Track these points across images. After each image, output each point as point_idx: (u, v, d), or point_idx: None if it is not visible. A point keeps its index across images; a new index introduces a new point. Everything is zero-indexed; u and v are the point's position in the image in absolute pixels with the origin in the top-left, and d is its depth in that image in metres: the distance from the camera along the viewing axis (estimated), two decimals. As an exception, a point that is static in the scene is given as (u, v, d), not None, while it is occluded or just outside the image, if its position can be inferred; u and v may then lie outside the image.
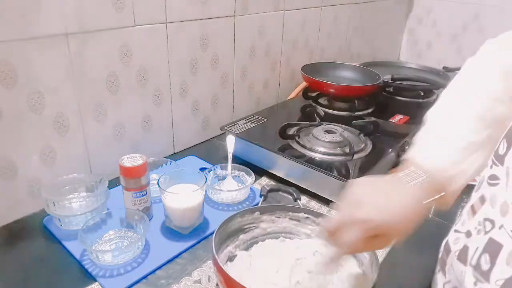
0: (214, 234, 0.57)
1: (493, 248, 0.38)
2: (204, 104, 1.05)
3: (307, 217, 0.66)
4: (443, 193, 0.47)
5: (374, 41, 1.79)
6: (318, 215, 0.65)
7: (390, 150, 0.91)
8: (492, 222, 0.40)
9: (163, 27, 0.87)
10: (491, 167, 0.43)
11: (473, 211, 0.44)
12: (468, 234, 0.43)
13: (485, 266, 0.39)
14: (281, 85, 1.31)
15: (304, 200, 0.82)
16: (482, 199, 0.42)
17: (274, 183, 0.87)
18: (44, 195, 0.68)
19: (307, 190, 0.84)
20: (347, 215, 0.47)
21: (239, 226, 0.65)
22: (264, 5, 1.11)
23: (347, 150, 0.86)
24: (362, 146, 0.89)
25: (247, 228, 0.65)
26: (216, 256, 0.54)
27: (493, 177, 0.42)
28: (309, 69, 1.19)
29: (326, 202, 0.81)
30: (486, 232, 0.40)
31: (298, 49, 1.32)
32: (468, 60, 0.55)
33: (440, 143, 0.50)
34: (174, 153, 1.01)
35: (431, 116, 0.54)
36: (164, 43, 0.88)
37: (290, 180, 0.86)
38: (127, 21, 0.79)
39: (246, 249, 0.64)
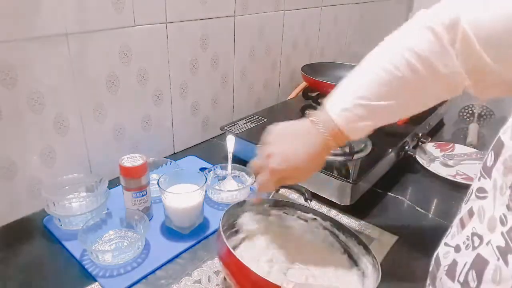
0: (223, 214, 0.58)
1: (479, 265, 0.38)
2: (204, 104, 1.05)
3: (314, 219, 0.66)
4: (340, 146, 0.56)
5: (374, 41, 1.78)
6: (326, 218, 0.65)
7: (390, 150, 0.91)
8: (480, 237, 0.39)
9: (163, 27, 0.87)
10: (479, 179, 0.42)
11: (462, 224, 0.43)
12: (457, 248, 0.43)
13: (472, 283, 0.38)
14: (281, 85, 1.31)
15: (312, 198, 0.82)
16: (471, 212, 0.42)
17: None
18: (44, 195, 0.68)
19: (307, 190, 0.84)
20: (261, 163, 0.58)
21: (245, 211, 0.65)
22: (264, 5, 1.11)
23: (347, 150, 0.86)
24: (362, 146, 0.89)
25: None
26: (222, 233, 0.54)
27: (481, 190, 0.41)
28: (309, 69, 1.19)
29: (326, 202, 0.81)
30: (474, 248, 0.39)
31: (298, 49, 1.32)
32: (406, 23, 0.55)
33: (348, 99, 0.53)
34: (174, 153, 1.01)
35: (356, 68, 0.57)
36: (164, 43, 0.88)
37: (290, 180, 0.86)
38: (127, 21, 0.80)
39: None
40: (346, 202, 0.79)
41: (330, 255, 0.62)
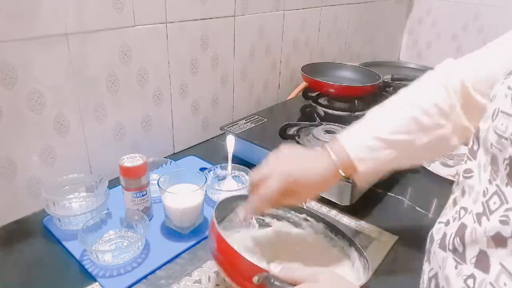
0: (214, 208, 0.57)
1: (461, 231, 0.43)
2: (204, 104, 1.05)
3: (306, 220, 0.66)
4: (343, 174, 0.57)
5: (374, 41, 1.79)
6: (319, 219, 0.65)
7: (390, 150, 0.90)
8: (465, 209, 0.44)
9: (163, 27, 0.87)
10: (465, 162, 0.47)
11: (454, 203, 0.49)
12: (447, 223, 0.47)
13: (459, 248, 0.42)
14: (281, 85, 1.31)
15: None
16: (463, 191, 0.47)
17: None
18: (44, 195, 0.68)
19: (307, 190, 0.84)
20: (269, 169, 0.56)
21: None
22: (264, 5, 1.11)
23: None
24: (362, 146, 0.89)
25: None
26: (216, 224, 0.53)
27: (467, 170, 0.46)
28: (309, 69, 1.19)
29: (326, 202, 0.81)
30: (459, 219, 0.44)
31: (298, 49, 1.32)
32: (428, 72, 0.62)
33: (362, 134, 0.58)
34: (174, 153, 1.01)
35: (370, 111, 0.62)
36: (164, 43, 0.88)
37: (290, 180, 0.86)
38: (127, 21, 0.79)
39: None
40: (346, 202, 0.79)
41: (323, 250, 0.62)
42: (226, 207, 0.62)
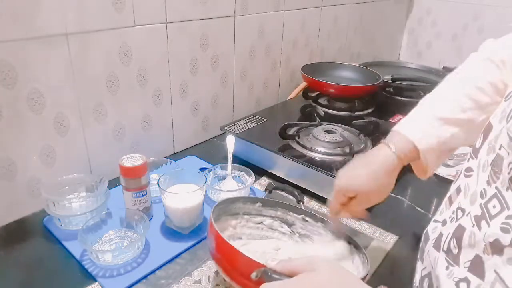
0: (213, 209, 0.57)
1: (458, 233, 0.42)
2: (204, 104, 1.05)
3: (305, 220, 0.66)
4: (404, 162, 0.56)
5: (374, 41, 1.79)
6: (317, 219, 0.65)
7: (390, 150, 0.90)
8: (463, 210, 0.44)
9: (163, 27, 0.87)
10: (468, 160, 0.47)
11: (450, 201, 0.48)
12: (444, 222, 0.47)
13: (454, 250, 0.42)
14: (281, 85, 1.31)
15: (304, 199, 0.82)
16: (458, 190, 0.47)
17: (276, 183, 0.87)
18: (44, 195, 0.68)
19: (307, 190, 0.84)
20: (334, 185, 0.59)
21: (236, 212, 0.65)
22: (264, 5, 1.11)
23: (347, 150, 0.86)
24: (362, 146, 0.89)
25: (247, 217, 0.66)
26: (214, 224, 0.53)
27: (468, 169, 0.46)
28: (309, 69, 1.19)
29: (326, 202, 0.81)
30: (457, 220, 0.44)
31: (298, 49, 1.32)
32: (471, 54, 0.61)
33: (419, 117, 0.57)
34: (174, 153, 1.01)
35: (425, 98, 0.61)
36: (164, 43, 0.88)
37: (290, 180, 0.86)
38: (127, 21, 0.79)
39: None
40: (346, 202, 0.79)
41: (322, 249, 0.62)
42: (224, 208, 0.63)
